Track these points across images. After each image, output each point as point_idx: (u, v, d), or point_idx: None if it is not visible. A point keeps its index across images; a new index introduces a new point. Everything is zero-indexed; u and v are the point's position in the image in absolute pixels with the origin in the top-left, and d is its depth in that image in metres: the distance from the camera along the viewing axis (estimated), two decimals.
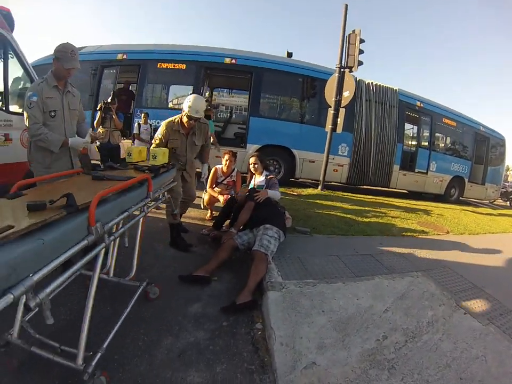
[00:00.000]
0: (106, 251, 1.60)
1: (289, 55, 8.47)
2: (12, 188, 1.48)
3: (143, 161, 2.64)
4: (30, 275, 0.96)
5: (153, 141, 3.12)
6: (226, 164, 3.97)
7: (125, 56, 6.59)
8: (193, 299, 2.20)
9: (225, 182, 4.10)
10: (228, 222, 3.46)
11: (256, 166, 3.54)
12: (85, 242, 1.24)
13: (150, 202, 2.04)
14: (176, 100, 7.42)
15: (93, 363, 1.31)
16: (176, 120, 2.97)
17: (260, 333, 1.88)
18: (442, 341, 1.86)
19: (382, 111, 7.15)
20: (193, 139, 3.06)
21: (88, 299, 1.34)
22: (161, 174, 2.34)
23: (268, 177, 3.52)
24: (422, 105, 7.86)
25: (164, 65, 6.54)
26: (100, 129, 4.86)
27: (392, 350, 1.71)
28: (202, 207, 4.12)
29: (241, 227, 3.08)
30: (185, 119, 2.91)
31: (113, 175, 1.95)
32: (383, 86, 7.31)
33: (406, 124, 7.93)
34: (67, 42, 2.28)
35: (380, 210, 5.28)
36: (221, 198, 3.87)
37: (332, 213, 4.59)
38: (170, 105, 7.18)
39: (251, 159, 3.58)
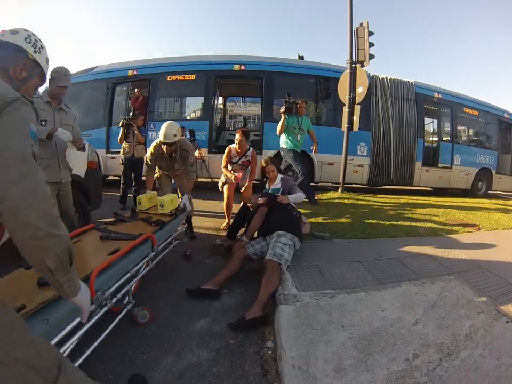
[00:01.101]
0: None
1: (301, 58, 8.34)
2: None
3: (154, 206, 2.86)
4: None
5: (145, 164, 3.45)
6: (237, 142, 3.85)
7: (135, 72, 6.69)
8: (199, 314, 2.07)
9: (240, 162, 3.94)
10: (243, 230, 3.30)
11: (274, 173, 3.35)
12: None
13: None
14: (191, 112, 7.44)
15: None
16: (158, 145, 3.29)
17: (270, 352, 1.70)
18: (483, 357, 1.59)
19: (399, 106, 6.80)
20: (174, 163, 3.37)
21: None
22: (168, 223, 2.50)
23: (284, 179, 3.35)
24: (440, 96, 7.40)
25: (174, 78, 6.56)
26: (124, 144, 5.03)
27: (424, 371, 1.47)
28: (220, 190, 3.98)
29: (254, 235, 2.93)
30: (162, 145, 3.22)
31: (120, 233, 2.08)
32: (398, 79, 6.97)
33: (425, 117, 7.49)
34: (62, 66, 2.50)
35: (404, 209, 4.96)
36: (231, 176, 3.73)
37: (354, 215, 4.34)
38: (182, 117, 7.21)
39: (264, 164, 3.39)
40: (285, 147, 4.98)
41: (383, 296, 2.10)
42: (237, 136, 3.84)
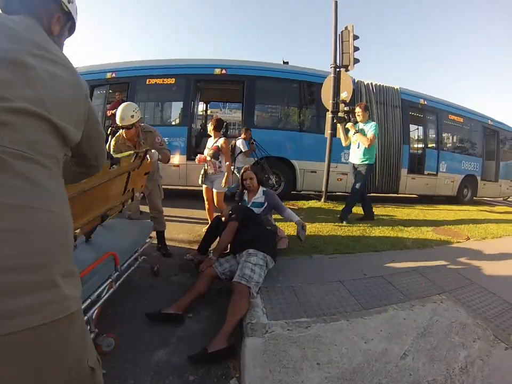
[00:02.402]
0: None
1: (285, 64, 8.18)
2: None
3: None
4: None
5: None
6: (210, 130, 3.86)
7: (114, 75, 6.34)
8: (159, 343, 1.79)
9: (211, 147, 3.80)
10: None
11: (252, 181, 3.04)
12: None
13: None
14: (170, 117, 7.15)
15: None
16: (119, 134, 3.05)
17: None
18: None
19: (384, 112, 6.68)
20: (139, 149, 3.00)
21: None
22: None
23: (268, 193, 3.06)
24: (425, 102, 7.34)
25: (153, 81, 6.25)
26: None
27: None
28: None
29: (226, 251, 2.63)
30: (121, 131, 3.02)
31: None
32: (383, 85, 6.86)
33: (410, 124, 7.40)
34: None
35: (390, 219, 4.75)
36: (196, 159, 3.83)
37: (336, 227, 4.07)
38: (161, 122, 6.89)
39: (244, 173, 3.10)
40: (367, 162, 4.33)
41: (367, 324, 1.81)
42: (209, 126, 3.95)
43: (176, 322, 1.98)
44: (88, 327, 1.56)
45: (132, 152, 2.29)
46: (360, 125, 4.37)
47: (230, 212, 2.81)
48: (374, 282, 2.45)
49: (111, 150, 3.07)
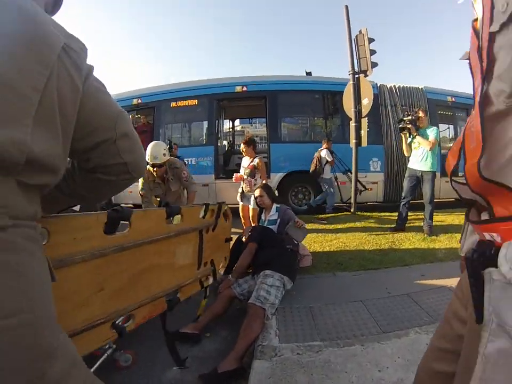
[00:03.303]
0: None
1: (308, 74, 8.16)
2: None
3: None
4: None
5: (142, 200, 3.29)
6: (243, 151, 4.11)
7: (139, 101, 6.76)
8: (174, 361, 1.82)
9: (248, 166, 4.04)
10: None
11: (262, 198, 3.09)
12: None
13: None
14: (196, 137, 7.42)
15: None
16: (147, 172, 3.13)
17: None
18: None
19: None
20: (170, 185, 3.21)
21: None
22: None
23: (282, 209, 3.07)
24: (453, 99, 6.87)
25: (177, 104, 6.55)
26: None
27: None
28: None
29: (248, 271, 2.66)
30: (150, 168, 3.09)
31: None
32: (407, 86, 6.56)
33: (440, 123, 6.92)
34: None
35: (422, 228, 4.46)
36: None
37: (364, 240, 3.91)
38: (188, 143, 7.17)
39: (255, 191, 3.20)
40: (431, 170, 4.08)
41: (383, 350, 1.71)
42: (242, 146, 4.17)
43: (193, 342, 2.02)
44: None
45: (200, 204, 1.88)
46: (421, 131, 4.17)
47: (250, 233, 2.83)
48: (398, 301, 2.31)
49: (140, 187, 3.21)
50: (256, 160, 3.94)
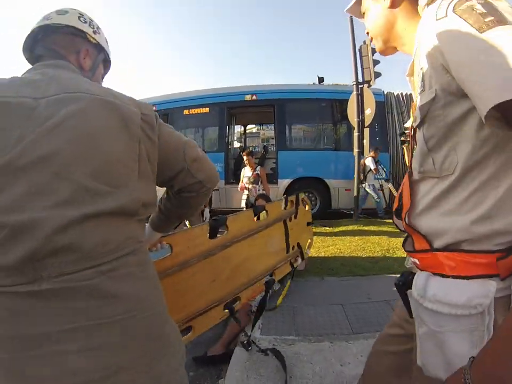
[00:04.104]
0: None
1: (321, 79, 8.29)
2: None
3: None
4: None
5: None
6: (246, 162, 4.71)
7: (154, 108, 7.14)
8: None
9: (251, 176, 4.69)
10: None
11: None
12: None
13: None
14: (208, 144, 7.67)
15: None
16: None
17: None
18: None
19: None
20: None
21: None
22: None
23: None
24: None
25: (189, 111, 6.88)
26: None
27: None
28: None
29: None
30: None
31: None
32: None
33: None
34: None
35: None
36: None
37: (360, 247, 4.08)
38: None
39: (255, 201, 3.56)
40: None
41: (349, 349, 1.91)
42: (245, 157, 4.74)
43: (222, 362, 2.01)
44: None
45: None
46: None
47: None
48: (376, 307, 2.48)
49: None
50: (258, 170, 4.45)
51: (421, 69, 0.65)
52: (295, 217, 2.16)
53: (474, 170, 0.59)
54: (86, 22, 0.85)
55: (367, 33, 0.87)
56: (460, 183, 0.62)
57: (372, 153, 5.69)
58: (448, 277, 0.64)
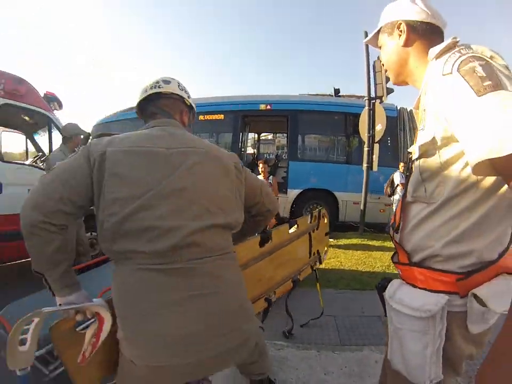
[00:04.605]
0: None
1: (337, 91, 8.36)
2: None
3: None
4: None
5: None
6: (261, 170, 4.60)
7: None
8: None
9: None
10: None
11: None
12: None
13: None
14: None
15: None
16: None
17: None
18: None
19: None
20: None
21: None
22: None
23: None
24: None
25: (204, 117, 7.05)
26: None
27: None
28: None
29: None
30: None
31: None
32: None
33: None
34: (71, 123, 3.21)
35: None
36: None
37: (360, 261, 4.14)
38: None
39: None
40: None
41: (335, 359, 1.99)
42: (260, 165, 4.63)
43: None
44: None
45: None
46: None
47: None
48: (368, 321, 2.55)
49: None
50: (273, 180, 4.58)
51: (424, 110, 0.79)
52: (317, 228, 2.49)
53: (453, 200, 0.74)
54: (182, 90, 1.18)
55: (383, 64, 1.00)
56: (441, 210, 0.76)
57: (401, 167, 5.66)
58: (417, 287, 0.80)
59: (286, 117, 6.74)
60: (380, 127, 5.23)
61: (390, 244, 5.08)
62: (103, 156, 0.90)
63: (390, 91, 5.30)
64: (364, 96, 7.76)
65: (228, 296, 0.98)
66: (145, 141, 0.97)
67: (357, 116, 6.16)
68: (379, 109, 5.33)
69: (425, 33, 0.85)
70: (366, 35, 5.50)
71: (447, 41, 0.76)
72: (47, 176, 0.91)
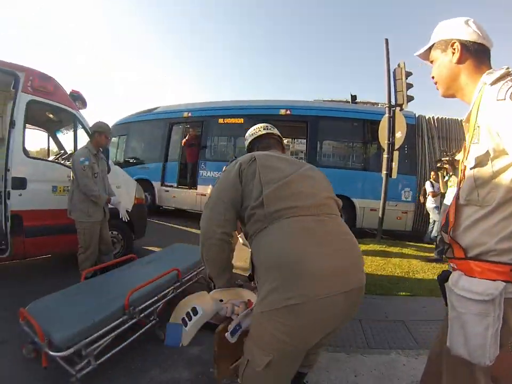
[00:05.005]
0: None
1: (354, 98, 8.40)
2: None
3: None
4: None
5: None
6: None
7: (190, 114, 7.57)
8: (196, 342, 2.19)
9: None
10: None
11: None
12: (121, 319, 1.95)
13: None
14: (242, 153, 7.91)
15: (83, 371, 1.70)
16: None
17: None
18: None
19: (447, 148, 6.36)
20: None
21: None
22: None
23: None
24: None
25: (224, 121, 7.21)
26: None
27: None
28: None
29: None
30: None
31: None
32: (446, 118, 6.62)
33: None
34: (101, 121, 3.15)
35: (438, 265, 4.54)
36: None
37: (381, 267, 4.18)
38: (233, 158, 7.78)
39: None
40: None
41: (364, 361, 2.07)
42: None
43: (213, 330, 2.51)
44: (153, 315, 2.24)
45: None
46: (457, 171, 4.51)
47: None
48: (392, 326, 2.62)
49: None
50: None
51: (478, 127, 0.92)
52: None
53: (505, 205, 0.86)
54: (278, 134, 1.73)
55: (432, 77, 1.11)
56: (494, 212, 0.88)
57: (432, 176, 5.66)
58: (475, 278, 0.92)
59: (305, 122, 6.81)
60: (399, 135, 5.26)
61: (408, 251, 5.12)
62: (252, 159, 1.30)
63: (410, 98, 5.35)
64: (378, 103, 7.77)
65: (354, 244, 1.23)
66: (276, 153, 1.45)
67: (375, 122, 6.16)
68: (399, 117, 5.36)
69: (476, 53, 0.98)
70: (387, 42, 5.57)
71: (501, 70, 0.90)
72: (213, 195, 1.30)
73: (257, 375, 1.14)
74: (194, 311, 1.35)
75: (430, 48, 1.08)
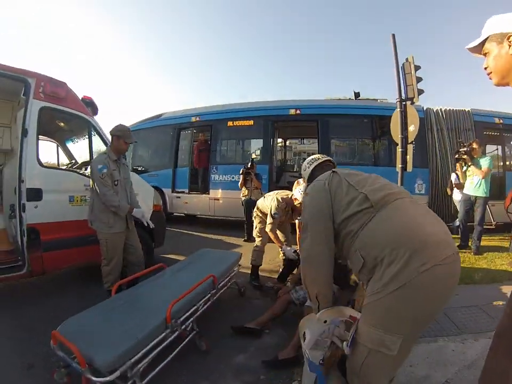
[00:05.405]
0: None
1: (357, 94, 8.45)
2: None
3: None
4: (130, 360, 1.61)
5: (273, 219, 3.49)
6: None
7: (198, 118, 7.55)
8: (240, 349, 2.31)
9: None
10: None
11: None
12: (164, 334, 1.91)
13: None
14: (251, 156, 7.68)
15: None
16: (287, 196, 3.56)
17: None
18: None
19: (456, 138, 6.43)
20: (293, 216, 3.70)
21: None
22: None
23: None
24: (502, 121, 6.72)
25: (234, 123, 7.19)
26: (243, 189, 6.02)
27: None
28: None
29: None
30: (297, 205, 3.45)
31: None
32: (453, 109, 6.68)
33: (487, 145, 6.81)
34: (121, 124, 2.96)
35: (462, 251, 4.66)
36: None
37: None
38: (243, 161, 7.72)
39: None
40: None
41: (415, 351, 2.14)
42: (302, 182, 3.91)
43: (255, 335, 2.47)
44: (192, 326, 2.22)
45: None
46: (475, 160, 4.74)
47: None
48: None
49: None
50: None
51: None
52: None
53: None
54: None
55: (485, 68, 1.19)
56: None
57: (458, 168, 5.58)
58: None
59: (316, 121, 6.83)
60: (413, 128, 5.30)
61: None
62: (330, 174, 1.50)
63: (420, 92, 5.40)
64: (378, 99, 7.78)
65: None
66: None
67: (385, 118, 6.19)
68: (411, 110, 5.38)
69: None
70: (394, 38, 5.62)
71: None
72: (305, 214, 1.49)
73: (383, 360, 1.19)
74: (304, 336, 1.43)
75: (484, 41, 1.16)
